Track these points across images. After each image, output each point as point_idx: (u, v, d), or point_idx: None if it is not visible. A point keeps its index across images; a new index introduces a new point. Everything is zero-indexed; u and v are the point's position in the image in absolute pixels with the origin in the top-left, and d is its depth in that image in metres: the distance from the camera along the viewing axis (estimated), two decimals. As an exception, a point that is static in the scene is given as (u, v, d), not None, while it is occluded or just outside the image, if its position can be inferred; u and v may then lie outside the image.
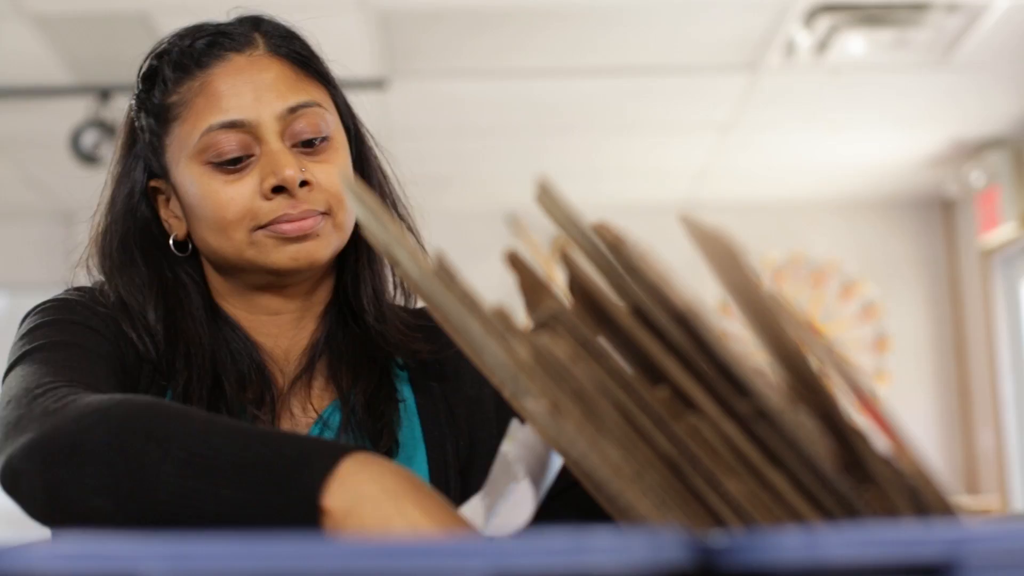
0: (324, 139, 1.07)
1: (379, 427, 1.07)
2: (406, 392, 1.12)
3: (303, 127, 1.06)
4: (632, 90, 4.13)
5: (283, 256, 1.05)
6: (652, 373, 0.60)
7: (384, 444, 1.07)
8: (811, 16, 3.62)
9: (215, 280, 1.12)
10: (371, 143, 1.16)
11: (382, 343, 1.11)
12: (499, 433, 1.06)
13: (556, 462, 0.74)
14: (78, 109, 4.02)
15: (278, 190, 1.04)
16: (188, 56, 1.07)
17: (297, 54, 1.08)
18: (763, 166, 4.94)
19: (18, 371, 0.96)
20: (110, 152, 4.29)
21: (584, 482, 0.71)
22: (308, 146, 1.06)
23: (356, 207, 0.67)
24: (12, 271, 5.32)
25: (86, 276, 1.12)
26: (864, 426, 0.55)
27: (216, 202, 1.05)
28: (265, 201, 1.04)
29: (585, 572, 0.44)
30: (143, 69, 1.11)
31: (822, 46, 3.77)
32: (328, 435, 1.07)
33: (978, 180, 4.84)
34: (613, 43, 3.76)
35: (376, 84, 3.87)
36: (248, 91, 1.05)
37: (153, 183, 1.11)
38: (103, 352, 1.01)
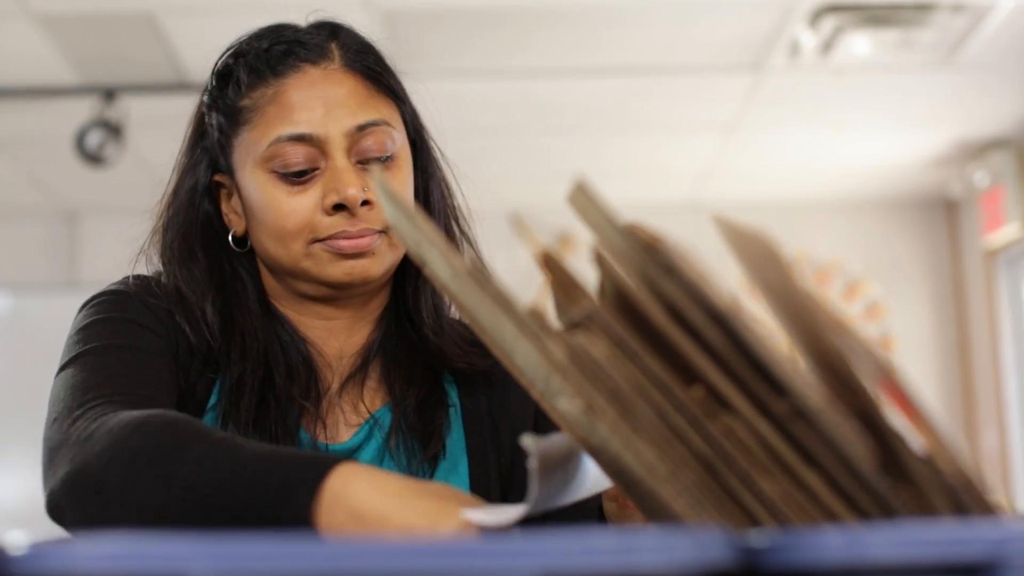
0: (389, 158, 1.08)
1: (429, 431, 1.08)
2: (454, 398, 1.13)
3: (370, 145, 1.07)
4: (636, 90, 4.13)
5: (337, 271, 1.06)
6: (685, 373, 0.61)
7: (432, 448, 1.08)
8: (816, 16, 3.62)
9: (269, 280, 1.13)
10: (436, 154, 1.17)
11: (439, 355, 1.12)
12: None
13: (587, 473, 0.73)
14: (82, 109, 4.02)
15: (339, 207, 1.05)
16: (263, 61, 1.09)
17: (371, 69, 1.09)
18: (767, 166, 4.95)
19: (66, 375, 0.99)
20: (115, 152, 4.30)
21: (615, 481, 0.71)
22: (374, 163, 1.07)
23: (386, 206, 0.67)
24: (16, 271, 5.32)
25: (145, 266, 1.13)
26: (902, 426, 0.55)
27: (278, 211, 1.06)
28: (325, 216, 1.05)
29: (632, 571, 0.45)
30: (218, 66, 1.13)
31: (827, 46, 3.77)
32: (379, 435, 1.08)
33: (982, 180, 4.84)
34: (617, 43, 3.76)
35: (381, 84, 3.87)
36: (319, 105, 1.06)
37: (217, 177, 1.12)
38: (154, 349, 1.03)
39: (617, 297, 0.61)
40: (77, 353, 1.00)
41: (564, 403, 0.63)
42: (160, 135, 4.37)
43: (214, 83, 1.12)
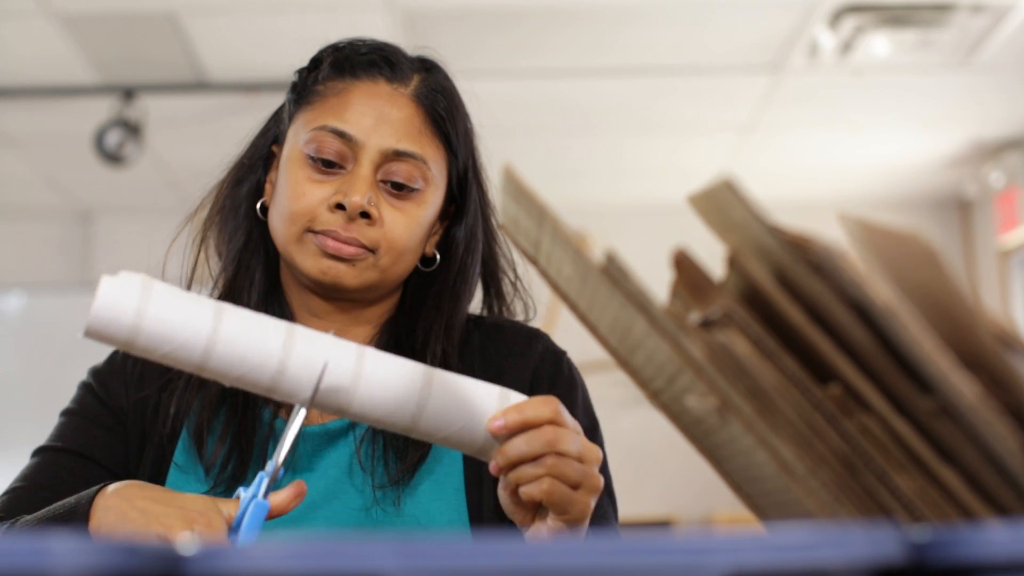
0: (413, 190, 1.11)
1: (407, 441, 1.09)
2: None
3: (399, 170, 1.10)
4: (654, 90, 4.13)
5: (314, 266, 1.10)
6: (818, 371, 0.61)
7: (417, 449, 1.08)
8: (836, 17, 3.62)
9: (282, 262, 1.17)
10: (493, 221, 1.20)
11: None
12: None
13: None
14: (101, 109, 4.02)
15: (340, 208, 1.09)
16: (349, 61, 1.14)
17: (436, 111, 1.13)
18: (783, 167, 4.95)
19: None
20: (134, 152, 4.31)
21: (729, 478, 0.72)
22: (397, 188, 1.11)
23: (506, 197, 0.67)
24: (30, 270, 5.32)
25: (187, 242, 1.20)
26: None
27: (293, 191, 1.10)
28: (327, 211, 1.09)
29: (815, 568, 0.45)
30: (316, 53, 1.18)
31: (846, 47, 3.78)
32: (358, 432, 1.11)
33: (997, 181, 4.85)
34: (635, 43, 3.76)
35: (400, 84, 3.88)
36: (372, 116, 1.11)
37: (273, 148, 1.18)
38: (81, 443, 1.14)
39: (749, 296, 0.61)
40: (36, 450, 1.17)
41: (693, 400, 0.63)
42: (177, 135, 4.40)
43: (307, 65, 1.18)
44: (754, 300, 0.61)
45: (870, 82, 4.04)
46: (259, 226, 1.17)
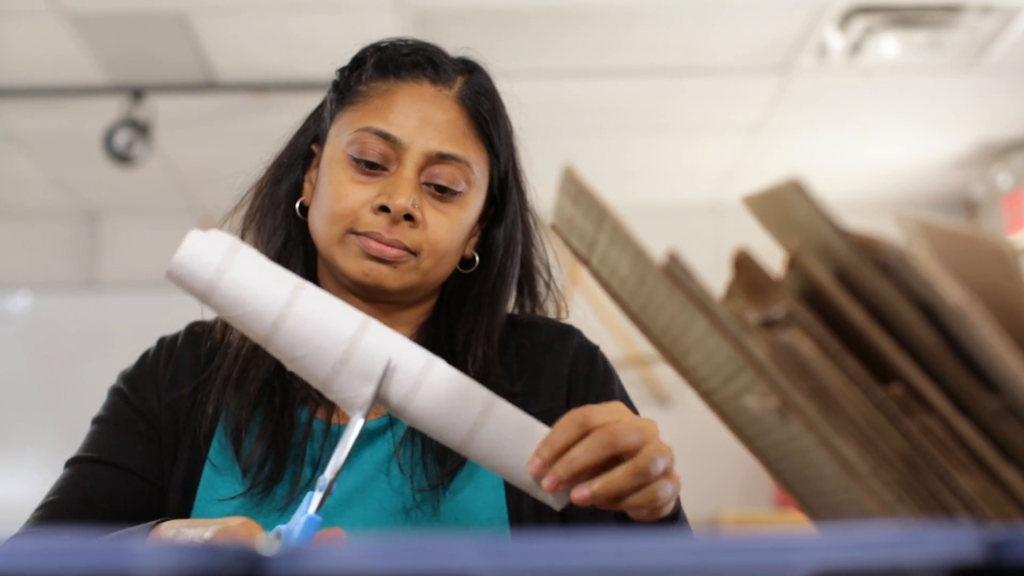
0: (456, 193, 1.11)
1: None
2: None
3: (442, 173, 1.10)
4: (664, 91, 4.13)
5: (356, 267, 1.10)
6: (878, 371, 0.61)
7: (451, 466, 1.07)
8: (846, 18, 3.63)
9: (321, 262, 1.17)
10: (531, 224, 1.20)
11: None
12: None
13: None
14: (110, 109, 4.02)
15: (384, 210, 1.08)
16: (392, 61, 1.14)
17: (480, 113, 1.14)
18: (790, 168, 4.94)
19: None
20: (143, 152, 4.33)
21: (780, 477, 0.72)
22: (440, 191, 1.11)
23: (564, 197, 0.67)
24: (36, 271, 5.32)
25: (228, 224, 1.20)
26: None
27: (335, 191, 1.10)
28: (370, 213, 1.09)
29: (899, 566, 0.45)
30: (358, 53, 1.18)
31: (855, 48, 3.78)
32: (397, 431, 1.10)
33: (1005, 182, 4.85)
34: (645, 43, 3.77)
35: (409, 84, 3.88)
36: (417, 118, 1.10)
37: (313, 147, 1.18)
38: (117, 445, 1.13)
39: (809, 296, 0.61)
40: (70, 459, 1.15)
41: (752, 400, 0.64)
42: (185, 135, 4.40)
43: (348, 64, 1.17)
44: (814, 300, 0.62)
45: (879, 83, 4.04)
46: (298, 225, 1.17)
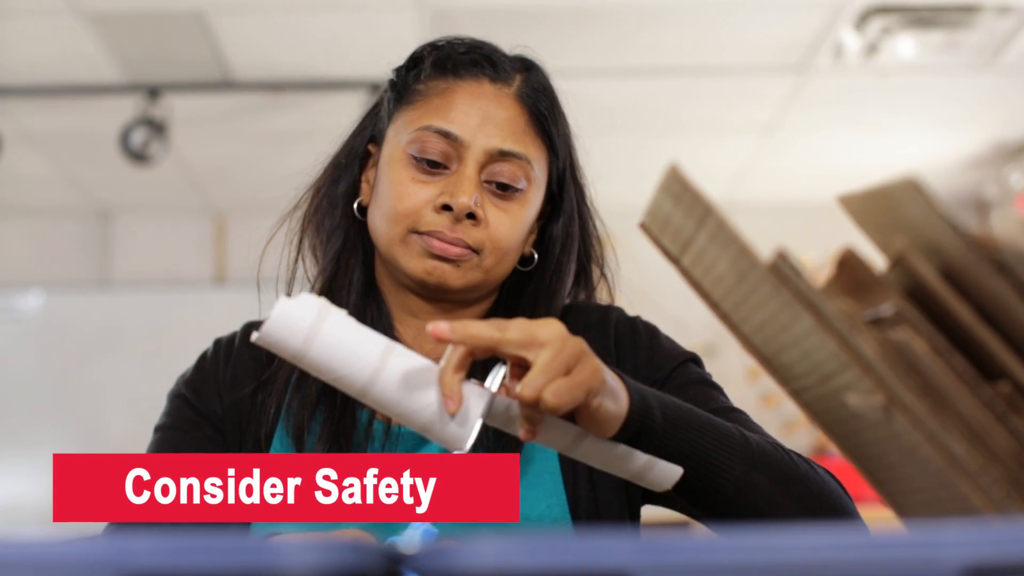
0: (517, 190, 1.11)
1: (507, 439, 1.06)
2: None
3: (503, 170, 1.10)
4: (679, 90, 4.13)
5: (419, 267, 1.10)
6: (984, 369, 0.61)
7: (509, 446, 1.08)
8: (863, 18, 3.63)
9: (379, 261, 1.17)
10: (587, 218, 1.20)
11: None
12: None
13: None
14: (126, 107, 4.02)
15: (447, 208, 1.08)
16: (450, 59, 1.14)
17: (539, 110, 1.14)
18: (803, 167, 4.95)
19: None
20: (159, 150, 4.33)
21: (872, 475, 0.72)
22: (500, 189, 1.11)
23: (664, 196, 0.68)
24: (48, 269, 5.32)
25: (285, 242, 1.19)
26: None
27: (397, 191, 1.10)
28: (432, 212, 1.09)
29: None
30: (415, 51, 1.18)
31: (871, 48, 3.78)
32: None
33: (1019, 182, 4.85)
34: (660, 43, 3.77)
35: (425, 84, 3.88)
36: (478, 116, 1.11)
37: (370, 147, 1.18)
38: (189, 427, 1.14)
39: (913, 294, 0.62)
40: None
41: (855, 397, 0.64)
42: (200, 133, 4.40)
43: (404, 64, 1.17)
44: (918, 298, 0.62)
45: (894, 83, 4.04)
46: (356, 225, 1.17)
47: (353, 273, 1.15)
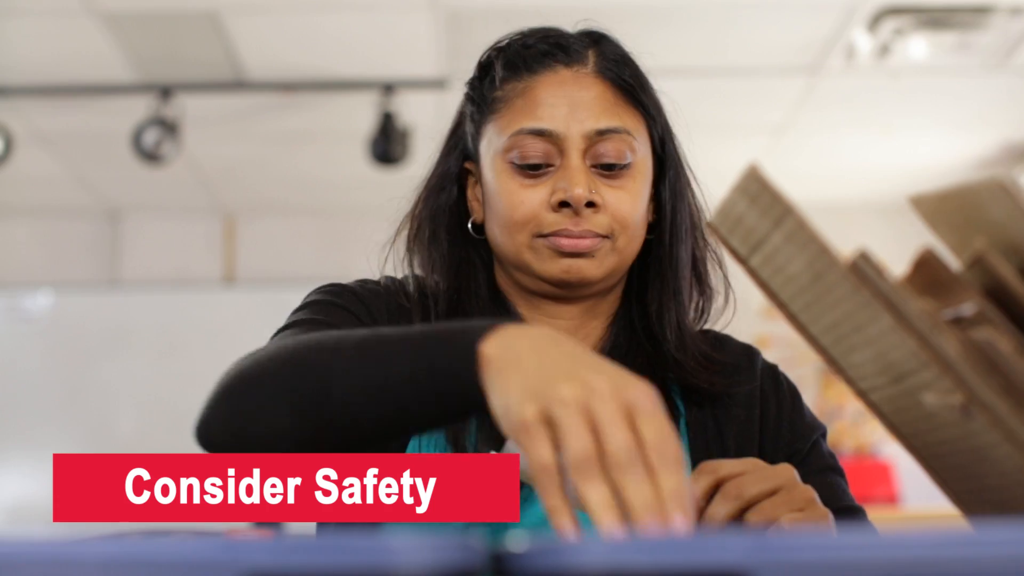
0: (625, 166, 1.08)
1: None
2: (680, 408, 1.12)
3: (606, 150, 1.08)
4: (691, 91, 4.13)
5: (555, 268, 1.08)
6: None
7: None
8: (876, 19, 3.63)
9: (501, 273, 1.15)
10: (688, 176, 1.18)
11: (677, 369, 1.12)
12: (761, 452, 1.08)
13: None
14: (138, 107, 4.03)
15: (564, 205, 1.06)
16: (520, 57, 1.12)
17: (622, 79, 1.11)
18: (815, 168, 4.96)
19: (274, 338, 1.02)
20: (171, 150, 4.31)
21: (938, 475, 0.72)
22: (608, 169, 1.08)
23: (740, 196, 0.68)
24: (58, 269, 5.32)
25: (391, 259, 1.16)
26: None
27: (509, 201, 1.08)
28: (551, 212, 1.07)
29: None
30: (482, 59, 1.16)
31: (884, 50, 3.79)
32: None
33: (1028, 183, 4.85)
34: (672, 44, 3.77)
35: (437, 84, 3.88)
36: (564, 104, 1.08)
37: (467, 165, 1.16)
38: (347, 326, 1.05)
39: (992, 294, 0.62)
40: (285, 325, 1.05)
41: (932, 397, 0.64)
42: (212, 133, 4.40)
43: (475, 74, 1.15)
44: (996, 298, 0.62)
45: (906, 84, 4.04)
46: (468, 243, 1.14)
47: (478, 288, 1.13)
